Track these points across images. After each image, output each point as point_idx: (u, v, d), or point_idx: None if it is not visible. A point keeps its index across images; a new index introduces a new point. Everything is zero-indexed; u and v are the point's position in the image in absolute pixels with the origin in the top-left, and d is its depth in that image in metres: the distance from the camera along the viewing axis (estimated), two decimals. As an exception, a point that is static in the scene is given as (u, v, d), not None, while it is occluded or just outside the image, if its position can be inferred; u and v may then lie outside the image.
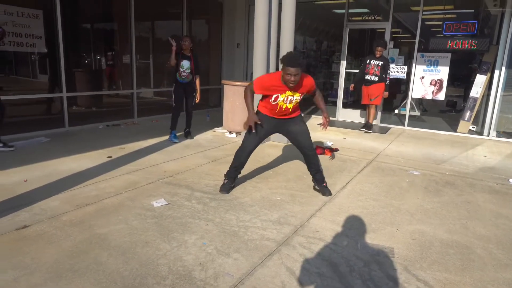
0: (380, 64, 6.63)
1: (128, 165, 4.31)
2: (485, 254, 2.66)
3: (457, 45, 6.92)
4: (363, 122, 7.55)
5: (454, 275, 2.37)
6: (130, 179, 3.84)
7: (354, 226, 2.99)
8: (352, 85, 7.06)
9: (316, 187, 3.75)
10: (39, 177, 3.79)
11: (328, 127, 3.70)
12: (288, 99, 3.39)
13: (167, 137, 5.82)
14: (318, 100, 3.65)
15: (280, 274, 2.28)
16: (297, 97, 3.41)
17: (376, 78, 6.69)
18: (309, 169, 3.72)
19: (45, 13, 5.69)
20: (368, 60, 6.78)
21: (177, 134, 5.68)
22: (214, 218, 3.03)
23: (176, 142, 5.55)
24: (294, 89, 3.34)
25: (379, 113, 7.24)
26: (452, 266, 2.48)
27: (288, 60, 3.17)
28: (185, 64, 5.46)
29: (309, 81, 3.41)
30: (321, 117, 3.69)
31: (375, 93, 6.79)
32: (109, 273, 2.22)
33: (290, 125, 3.58)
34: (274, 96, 3.36)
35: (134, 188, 3.61)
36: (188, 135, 5.88)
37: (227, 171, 3.70)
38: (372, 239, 2.80)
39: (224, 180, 3.70)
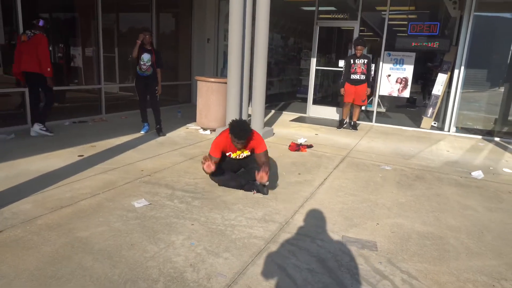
0: (365, 62, 6.74)
1: (102, 164, 4.15)
2: (457, 244, 2.84)
3: (421, 45, 7.26)
4: (337, 119, 7.72)
5: (433, 265, 2.51)
6: (106, 179, 3.70)
7: (337, 222, 3.08)
8: (342, 89, 6.95)
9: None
10: (5, 178, 3.55)
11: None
12: (239, 156, 3.74)
13: (139, 134, 5.67)
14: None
15: (272, 271, 2.30)
16: (246, 153, 3.73)
17: (364, 77, 6.78)
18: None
19: (4, 1, 5.29)
20: (352, 60, 6.79)
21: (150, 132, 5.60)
22: (199, 217, 2.99)
23: (142, 133, 5.72)
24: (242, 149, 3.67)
25: (349, 110, 7.44)
26: (430, 256, 2.63)
27: (236, 134, 3.43)
28: (145, 57, 5.45)
29: (255, 142, 3.62)
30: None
31: (365, 94, 6.87)
32: (97, 278, 2.13)
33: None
34: (227, 154, 3.71)
35: (112, 188, 3.48)
36: (159, 132, 5.74)
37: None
38: (355, 233, 2.89)
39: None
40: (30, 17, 5.71)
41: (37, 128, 5.23)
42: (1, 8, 5.31)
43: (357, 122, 7.32)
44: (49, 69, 5.06)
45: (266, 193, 3.58)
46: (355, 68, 6.79)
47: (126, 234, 2.64)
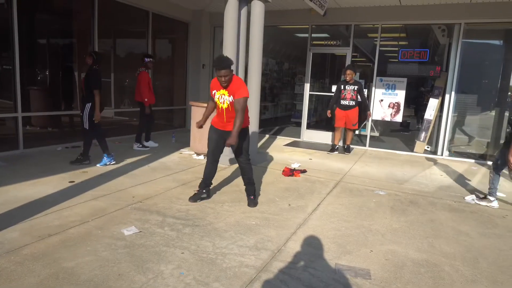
0: (356, 89, 6.85)
1: (92, 190, 4.09)
2: (452, 271, 2.80)
3: (411, 70, 7.42)
4: (330, 143, 7.79)
5: (428, 295, 2.46)
6: (96, 206, 3.64)
7: (330, 249, 3.03)
8: (329, 111, 7.14)
9: (247, 197, 4.07)
10: (-7, 206, 3.48)
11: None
12: (222, 98, 3.74)
13: (132, 159, 5.64)
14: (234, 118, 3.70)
15: (263, 302, 2.24)
16: (226, 96, 3.71)
17: (354, 103, 6.89)
18: (242, 178, 4.07)
19: (0, 27, 5.37)
20: (343, 86, 6.92)
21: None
22: (190, 245, 2.94)
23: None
24: (227, 88, 3.68)
25: (342, 135, 7.51)
26: (425, 285, 2.58)
27: (215, 63, 3.58)
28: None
29: (236, 84, 3.66)
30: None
31: (356, 119, 6.98)
32: (81, 311, 2.06)
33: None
34: (213, 93, 3.81)
35: (102, 215, 3.42)
36: (74, 162, 5.11)
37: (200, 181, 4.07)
38: (348, 261, 2.84)
39: (195, 190, 4.07)
40: (27, 42, 5.81)
41: (134, 146, 6.51)
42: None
43: (350, 146, 7.38)
44: (146, 100, 6.25)
45: (253, 206, 3.91)
46: (345, 94, 6.91)
47: (113, 264, 2.58)
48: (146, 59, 6.35)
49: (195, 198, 3.96)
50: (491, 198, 4.39)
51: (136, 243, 2.91)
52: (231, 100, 3.69)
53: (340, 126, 7.12)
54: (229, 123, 3.81)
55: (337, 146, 7.29)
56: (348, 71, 6.84)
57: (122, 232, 3.08)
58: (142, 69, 6.34)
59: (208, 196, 4.09)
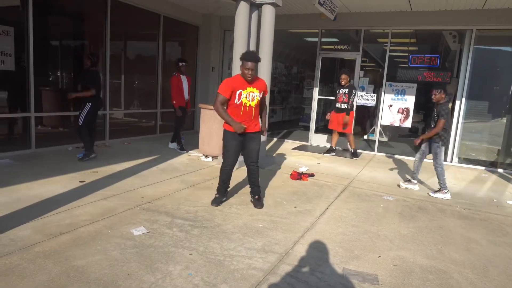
0: (346, 92, 6.93)
1: (102, 190, 4.15)
2: (462, 279, 2.77)
3: (421, 76, 7.38)
4: (340, 148, 7.83)
5: (437, 302, 2.44)
6: (106, 206, 3.69)
7: (338, 253, 3.03)
8: (329, 113, 7.26)
9: (252, 199, 4.11)
10: (5, 204, 3.55)
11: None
12: (250, 96, 3.76)
13: (141, 160, 5.70)
14: (263, 115, 4.12)
15: (270, 305, 2.25)
16: (257, 93, 3.79)
17: (345, 106, 6.95)
18: (249, 181, 4.12)
19: (16, 30, 5.48)
20: (337, 90, 7.10)
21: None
22: (198, 246, 2.96)
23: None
24: (253, 84, 3.76)
25: (338, 137, 7.54)
26: (434, 292, 2.56)
27: (246, 56, 3.66)
28: None
29: (263, 82, 3.93)
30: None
31: (345, 122, 7.03)
32: (91, 309, 2.09)
33: (249, 141, 3.93)
34: (238, 93, 3.70)
35: (111, 215, 3.46)
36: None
37: (217, 187, 4.08)
38: (356, 266, 2.83)
39: (216, 194, 4.05)
40: (41, 44, 5.93)
41: (171, 146, 6.88)
42: (13, 36, 5.48)
43: (358, 151, 7.35)
44: (174, 102, 6.49)
45: (260, 207, 3.97)
46: (338, 97, 7.07)
47: (123, 263, 2.61)
48: (179, 63, 6.55)
49: (217, 201, 4.00)
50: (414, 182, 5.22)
51: (145, 243, 2.94)
52: (261, 96, 3.84)
53: (332, 128, 7.31)
54: (255, 122, 3.92)
55: (334, 148, 7.41)
56: (342, 76, 6.99)
57: (131, 232, 3.11)
58: (175, 73, 6.56)
59: (226, 198, 4.18)
